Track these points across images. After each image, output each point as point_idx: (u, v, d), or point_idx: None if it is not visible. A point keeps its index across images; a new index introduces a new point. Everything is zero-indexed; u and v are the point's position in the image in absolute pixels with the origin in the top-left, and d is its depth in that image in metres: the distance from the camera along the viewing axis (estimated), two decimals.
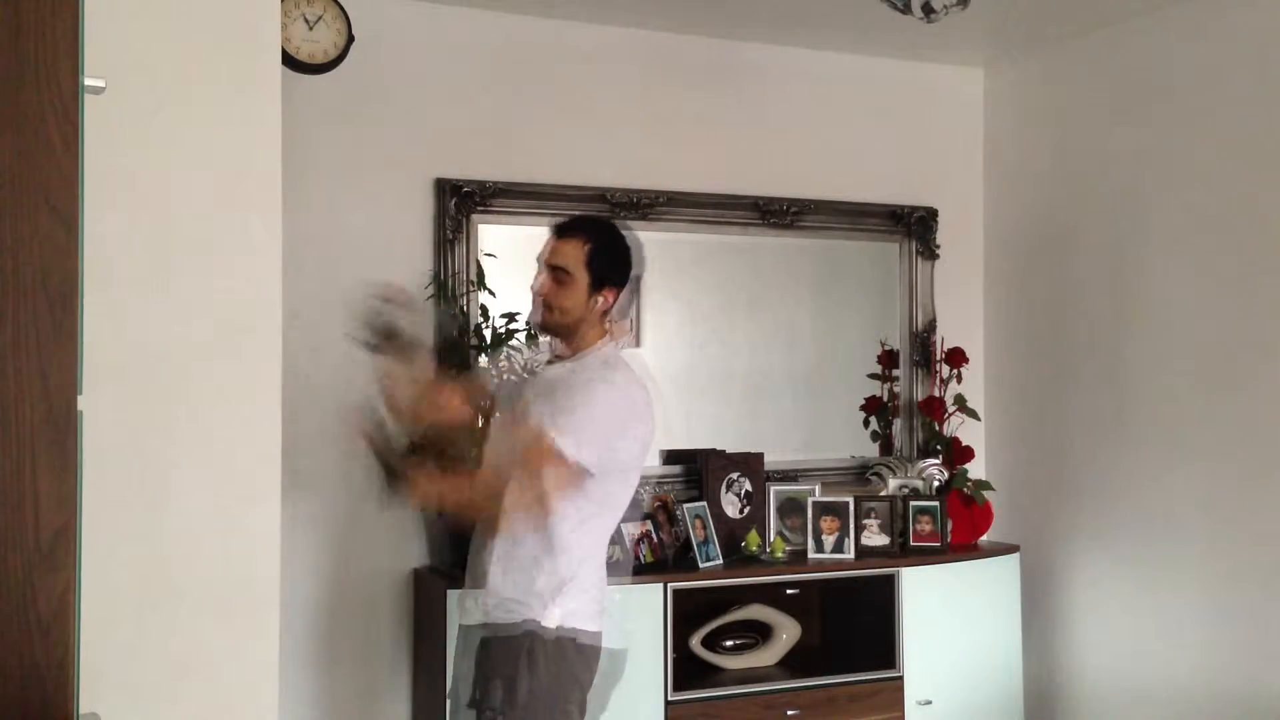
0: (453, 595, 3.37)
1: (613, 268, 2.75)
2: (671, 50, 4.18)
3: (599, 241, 2.74)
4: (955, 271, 4.61)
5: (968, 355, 4.43)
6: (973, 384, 4.54)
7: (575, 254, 2.70)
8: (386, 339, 2.62)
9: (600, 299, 2.72)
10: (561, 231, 2.77)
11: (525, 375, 2.91)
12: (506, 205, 3.90)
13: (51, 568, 1.29)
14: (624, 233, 2.84)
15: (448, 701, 2.91)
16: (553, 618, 2.61)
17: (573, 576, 2.65)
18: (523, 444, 2.63)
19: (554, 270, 2.72)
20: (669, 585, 3.64)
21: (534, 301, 2.78)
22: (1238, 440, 3.70)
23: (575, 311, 2.71)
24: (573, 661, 2.64)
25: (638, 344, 4.22)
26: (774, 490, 4.13)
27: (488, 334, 3.72)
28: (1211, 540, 3.76)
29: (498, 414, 2.93)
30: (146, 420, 1.97)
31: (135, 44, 1.96)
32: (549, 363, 2.82)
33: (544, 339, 3.00)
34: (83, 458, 1.33)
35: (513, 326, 3.65)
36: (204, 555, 2.00)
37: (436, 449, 2.72)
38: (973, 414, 4.40)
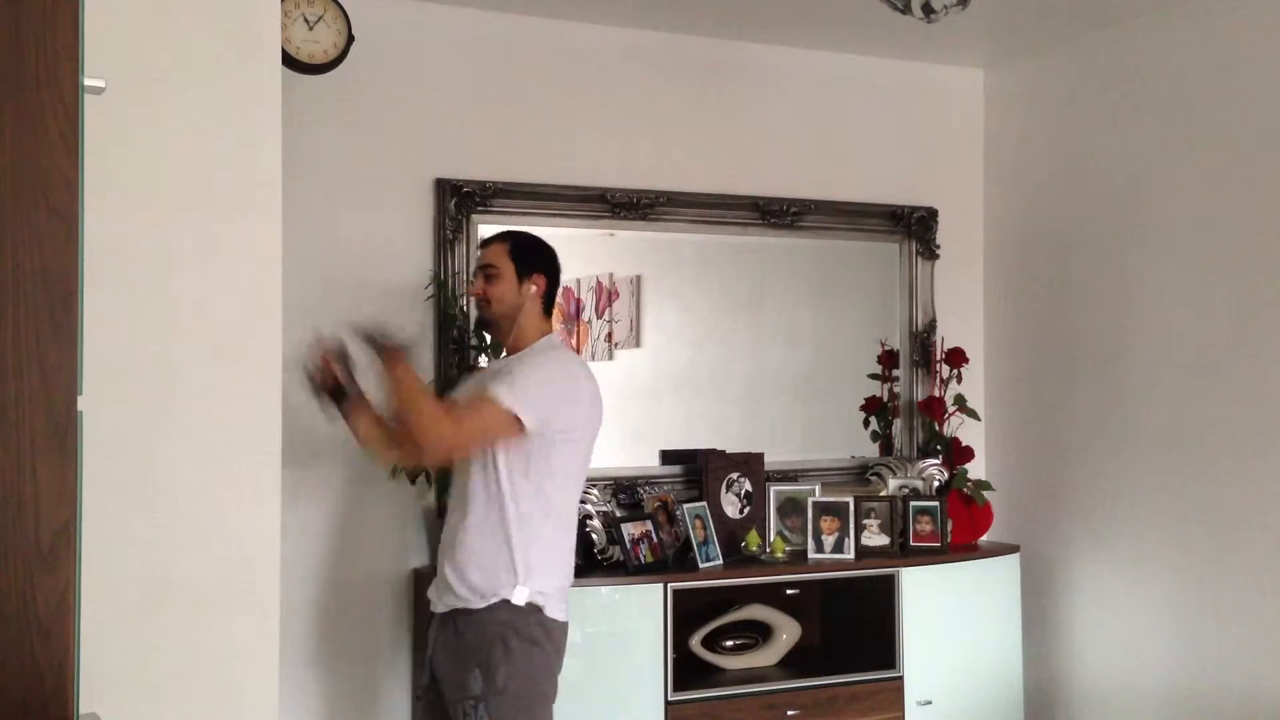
0: None
1: (534, 256, 3.01)
2: (671, 50, 4.18)
3: (517, 238, 3.05)
4: (955, 271, 4.60)
5: (968, 355, 4.43)
6: (973, 384, 4.54)
7: (498, 250, 3.01)
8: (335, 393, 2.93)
9: (531, 285, 2.97)
10: (485, 241, 3.14)
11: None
12: (506, 205, 3.89)
13: (51, 568, 1.29)
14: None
15: (418, 687, 3.02)
16: (522, 594, 2.77)
17: (539, 558, 2.80)
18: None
19: (484, 269, 3.01)
20: (669, 585, 3.64)
21: (476, 305, 3.11)
22: (1237, 440, 3.70)
23: (509, 298, 2.97)
24: (543, 643, 2.79)
25: (638, 344, 4.23)
26: (774, 490, 4.13)
27: (487, 335, 3.72)
28: (1211, 540, 3.76)
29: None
30: (146, 420, 1.97)
31: (135, 44, 1.96)
32: (499, 357, 3.06)
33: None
34: (83, 458, 1.33)
35: None
36: (204, 555, 2.00)
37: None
38: (973, 414, 4.40)
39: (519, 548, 2.78)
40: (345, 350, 2.90)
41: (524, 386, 2.79)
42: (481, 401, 2.80)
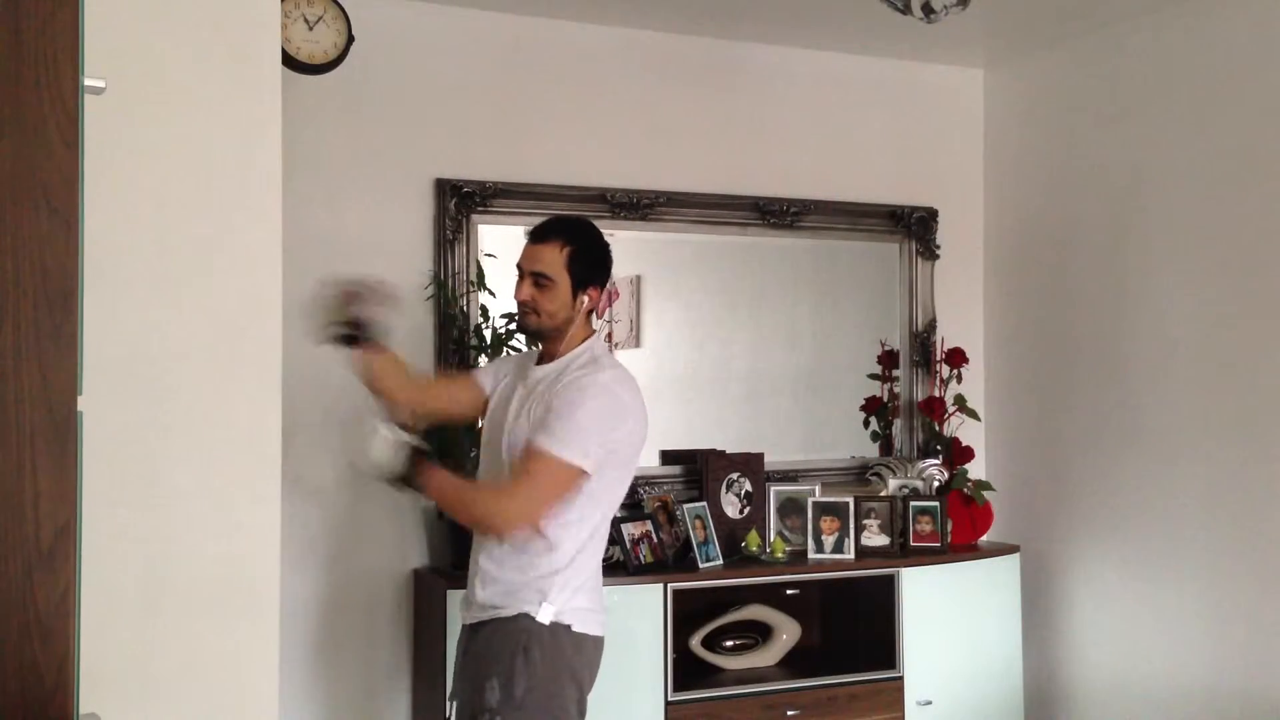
0: (453, 595, 3.37)
1: (593, 267, 2.75)
2: (671, 50, 4.18)
3: (578, 243, 2.73)
4: (955, 271, 4.61)
5: (968, 355, 4.43)
6: (973, 384, 4.54)
7: (554, 257, 2.70)
8: (356, 330, 2.74)
9: (585, 299, 2.73)
10: (538, 236, 2.76)
11: (517, 371, 2.88)
12: (506, 205, 3.90)
13: (51, 568, 1.29)
14: (600, 231, 2.84)
15: (449, 704, 2.92)
16: (547, 613, 2.61)
17: (569, 572, 2.64)
18: (519, 457, 2.65)
19: (535, 276, 2.72)
20: (669, 585, 3.64)
21: (519, 308, 2.80)
22: (1237, 440, 3.70)
23: (561, 314, 2.72)
24: (570, 658, 2.64)
25: (638, 344, 4.23)
26: (774, 490, 4.13)
27: (488, 334, 3.72)
28: (1211, 540, 3.77)
29: (491, 411, 2.91)
30: (146, 420, 1.96)
31: (135, 44, 1.96)
32: (537, 363, 2.81)
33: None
34: (83, 458, 1.33)
35: (512, 327, 3.65)
36: (204, 555, 2.00)
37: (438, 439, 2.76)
38: (973, 414, 4.40)
39: (551, 567, 2.62)
40: (360, 288, 2.74)
41: (573, 431, 2.57)
42: (537, 461, 2.58)
